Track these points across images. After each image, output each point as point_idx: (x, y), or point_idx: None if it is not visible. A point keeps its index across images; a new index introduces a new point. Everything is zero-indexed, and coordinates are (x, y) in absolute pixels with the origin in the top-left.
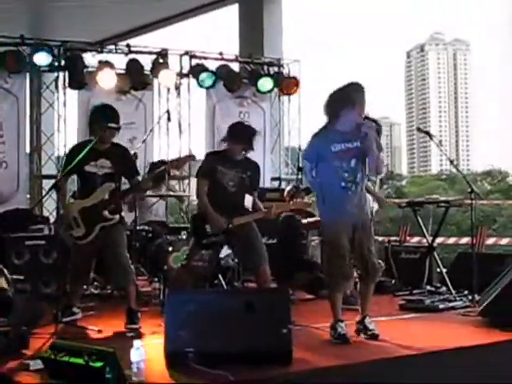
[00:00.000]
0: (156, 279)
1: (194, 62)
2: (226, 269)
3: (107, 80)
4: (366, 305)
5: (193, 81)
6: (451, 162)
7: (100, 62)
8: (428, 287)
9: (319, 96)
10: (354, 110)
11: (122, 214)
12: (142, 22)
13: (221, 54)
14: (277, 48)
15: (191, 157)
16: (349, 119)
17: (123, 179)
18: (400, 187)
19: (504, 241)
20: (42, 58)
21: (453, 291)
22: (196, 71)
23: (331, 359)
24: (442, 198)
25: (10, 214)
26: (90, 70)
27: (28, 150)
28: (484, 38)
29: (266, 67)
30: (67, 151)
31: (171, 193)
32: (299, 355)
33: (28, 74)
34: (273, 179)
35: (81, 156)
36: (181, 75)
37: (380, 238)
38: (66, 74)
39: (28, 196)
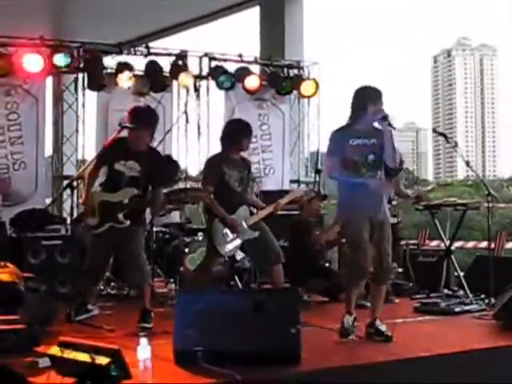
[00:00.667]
0: (172, 280)
1: (214, 63)
2: (242, 271)
3: (126, 82)
4: (377, 307)
5: (212, 83)
6: (467, 163)
7: (119, 63)
8: (445, 290)
9: (339, 99)
10: (372, 111)
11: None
12: (162, 25)
13: (240, 55)
14: (297, 50)
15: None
16: (367, 120)
17: None
18: (426, 192)
19: None
20: (61, 60)
21: (470, 295)
22: (215, 73)
23: (341, 360)
24: (460, 201)
25: (27, 213)
26: (109, 71)
27: (48, 150)
28: (511, 43)
29: (285, 69)
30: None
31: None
32: (308, 355)
33: (48, 76)
34: (292, 182)
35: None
36: (200, 77)
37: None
38: (85, 75)
39: (47, 197)
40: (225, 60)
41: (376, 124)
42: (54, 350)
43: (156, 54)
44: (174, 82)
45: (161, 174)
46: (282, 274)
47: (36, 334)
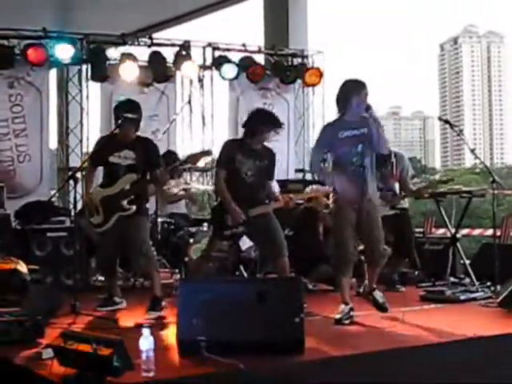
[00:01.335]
0: (177, 271)
1: (217, 53)
2: (248, 261)
3: (130, 72)
4: (372, 281)
5: (216, 73)
6: (472, 151)
7: (122, 54)
8: (451, 278)
9: None
10: (356, 103)
11: (147, 205)
12: (166, 16)
13: (244, 45)
14: (302, 39)
15: (207, 152)
16: (353, 111)
17: None
18: (433, 180)
19: None
20: (64, 51)
21: (475, 282)
22: (219, 63)
23: (345, 349)
24: (465, 189)
25: (32, 205)
26: (112, 62)
27: (52, 142)
28: None
29: (289, 58)
30: (96, 142)
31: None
32: (312, 344)
33: (51, 68)
34: (297, 171)
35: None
36: (204, 67)
37: None
38: (89, 66)
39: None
40: (228, 50)
41: (364, 114)
42: (57, 342)
43: (159, 45)
44: (178, 73)
45: (156, 156)
46: (287, 267)
47: (40, 325)
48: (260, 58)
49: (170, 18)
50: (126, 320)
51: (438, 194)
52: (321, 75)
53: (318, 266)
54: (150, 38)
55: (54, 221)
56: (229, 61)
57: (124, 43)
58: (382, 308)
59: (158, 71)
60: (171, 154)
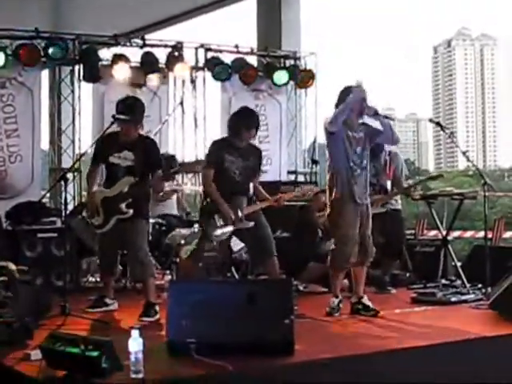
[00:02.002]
0: (168, 272)
1: (210, 55)
2: (239, 262)
3: (122, 73)
4: (361, 286)
5: (208, 74)
6: (463, 153)
7: (115, 55)
8: (443, 280)
9: (336, 89)
10: (354, 108)
11: (147, 207)
12: (159, 16)
13: (236, 46)
14: (294, 41)
15: (200, 162)
16: (352, 115)
17: None
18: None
19: None
20: (56, 52)
21: (467, 284)
22: (211, 64)
23: (334, 351)
24: (456, 191)
25: (23, 206)
26: (104, 63)
27: (44, 143)
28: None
29: (282, 60)
30: (96, 141)
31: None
32: (302, 347)
33: (43, 68)
34: (289, 172)
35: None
36: (196, 68)
37: None
38: (81, 67)
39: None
40: (221, 51)
41: (365, 120)
42: (46, 343)
43: (152, 46)
44: (170, 74)
45: (155, 158)
46: (276, 267)
47: (29, 327)
48: (252, 60)
49: (163, 19)
50: (117, 321)
51: (430, 195)
52: (313, 77)
53: (310, 265)
54: (143, 39)
55: (44, 221)
56: (221, 62)
57: (116, 44)
58: (373, 311)
59: (151, 72)
60: (170, 158)
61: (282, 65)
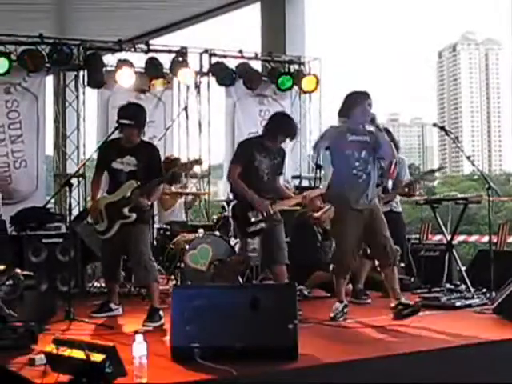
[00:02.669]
0: (173, 277)
1: (214, 60)
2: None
3: (126, 79)
4: (396, 288)
5: (212, 79)
6: (468, 157)
7: (119, 60)
8: (447, 285)
9: (340, 94)
10: (358, 112)
11: (150, 212)
12: (163, 22)
13: (240, 51)
14: (298, 46)
15: (198, 161)
16: (356, 120)
17: None
18: (432, 188)
19: None
20: (59, 58)
21: (471, 289)
22: (216, 69)
23: (339, 355)
24: (460, 195)
25: (28, 211)
26: (109, 68)
27: (48, 149)
28: None
29: (286, 65)
30: (99, 147)
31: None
32: (306, 351)
33: (48, 74)
34: (293, 177)
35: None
36: (200, 73)
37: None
38: (86, 72)
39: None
40: (225, 56)
41: (367, 125)
42: (50, 348)
43: (156, 51)
44: (175, 79)
45: (156, 163)
46: (285, 275)
47: (34, 331)
48: (257, 65)
49: (167, 25)
50: (121, 326)
51: (434, 200)
52: (317, 82)
53: (313, 270)
54: (147, 45)
55: (49, 227)
56: (225, 67)
57: (121, 49)
58: (414, 308)
59: (155, 77)
60: (173, 161)
61: (287, 70)
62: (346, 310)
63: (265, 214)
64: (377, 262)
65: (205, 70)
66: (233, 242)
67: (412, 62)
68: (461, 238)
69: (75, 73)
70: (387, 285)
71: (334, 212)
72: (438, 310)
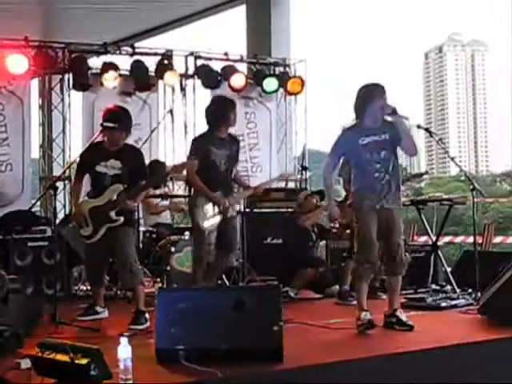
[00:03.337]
0: (159, 280)
1: (199, 62)
2: (229, 269)
3: (111, 81)
4: (394, 298)
5: (198, 81)
6: (452, 159)
7: (104, 63)
8: (433, 286)
9: (326, 96)
10: (376, 107)
11: (135, 215)
12: (148, 24)
13: (226, 54)
14: (284, 48)
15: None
16: (373, 116)
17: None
18: (419, 188)
19: (510, 239)
20: (45, 60)
21: (457, 289)
22: (201, 72)
23: (323, 356)
24: (445, 196)
25: (13, 215)
26: (94, 71)
27: (34, 152)
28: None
29: (271, 67)
30: (82, 151)
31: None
32: (291, 352)
33: (33, 77)
34: None
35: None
36: (186, 76)
37: None
38: (71, 75)
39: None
40: (210, 59)
41: (387, 118)
42: (35, 351)
43: (141, 54)
44: (160, 82)
45: (141, 167)
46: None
47: (20, 335)
48: (242, 67)
49: (153, 27)
50: (107, 329)
51: (419, 201)
52: (303, 84)
53: (301, 269)
54: (132, 47)
55: (35, 230)
56: (211, 70)
57: (106, 52)
58: (408, 327)
59: (140, 80)
60: (158, 164)
61: (272, 72)
62: (371, 318)
63: (221, 208)
64: (383, 267)
65: (190, 72)
66: None
67: (398, 63)
68: (447, 238)
69: (60, 76)
70: (388, 291)
71: (356, 206)
72: (423, 311)
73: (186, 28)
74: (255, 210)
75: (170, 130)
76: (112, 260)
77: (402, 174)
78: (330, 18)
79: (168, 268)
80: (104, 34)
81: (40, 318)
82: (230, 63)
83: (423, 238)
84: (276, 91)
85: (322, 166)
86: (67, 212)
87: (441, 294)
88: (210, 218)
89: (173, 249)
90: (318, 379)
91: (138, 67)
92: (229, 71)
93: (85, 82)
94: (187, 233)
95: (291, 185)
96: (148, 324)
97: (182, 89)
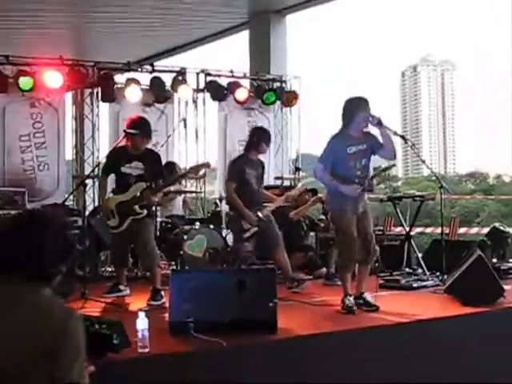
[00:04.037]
0: (173, 263)
1: (209, 78)
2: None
3: (134, 95)
4: (363, 283)
5: (207, 95)
6: (423, 161)
7: (128, 79)
8: (407, 269)
9: (317, 108)
10: (360, 118)
11: (152, 208)
12: (165, 47)
13: (231, 71)
14: (281, 67)
15: (206, 164)
16: (357, 126)
17: None
18: (396, 187)
19: (473, 230)
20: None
21: (427, 272)
22: (210, 87)
23: (312, 328)
24: (418, 193)
25: (49, 208)
26: (119, 86)
27: (68, 154)
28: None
29: (270, 83)
30: (107, 154)
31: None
32: (285, 325)
33: (67, 90)
34: (276, 178)
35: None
36: (197, 90)
37: None
38: (100, 89)
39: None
40: (219, 75)
41: (368, 129)
42: None
43: (159, 71)
44: (175, 95)
45: (160, 168)
46: (283, 260)
47: None
48: (245, 83)
49: (169, 49)
50: (129, 305)
51: (395, 197)
52: (297, 97)
53: (295, 254)
54: (152, 66)
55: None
56: (219, 85)
57: (129, 70)
58: (374, 307)
59: (158, 93)
60: (171, 165)
61: (271, 87)
62: (354, 302)
63: (254, 224)
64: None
65: (201, 87)
66: (224, 233)
67: (379, 80)
68: (419, 229)
69: (90, 90)
70: (358, 277)
71: (336, 215)
72: (398, 290)
73: (198, 49)
74: None
75: (184, 136)
76: (133, 246)
77: (381, 174)
78: (321, 42)
79: (181, 253)
80: (128, 54)
81: (72, 295)
82: (235, 79)
83: (398, 229)
84: (274, 103)
85: (313, 168)
86: (95, 205)
87: (413, 276)
88: (248, 230)
89: (185, 237)
90: (307, 347)
91: (156, 82)
92: (234, 86)
93: (111, 95)
94: (198, 223)
95: (286, 183)
96: (163, 300)
97: (194, 101)
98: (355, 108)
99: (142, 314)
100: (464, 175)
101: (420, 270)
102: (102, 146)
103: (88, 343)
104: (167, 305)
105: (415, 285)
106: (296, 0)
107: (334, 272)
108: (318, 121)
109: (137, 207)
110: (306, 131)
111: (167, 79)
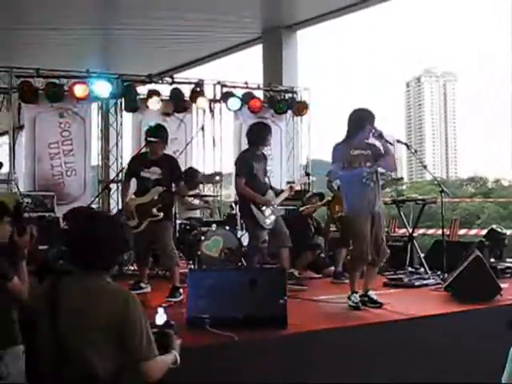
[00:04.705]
0: (191, 262)
1: (225, 90)
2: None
3: (155, 105)
4: (370, 282)
5: (224, 105)
6: (424, 167)
7: (149, 90)
8: (409, 268)
9: (326, 117)
10: (365, 131)
11: (172, 211)
12: (184, 60)
13: (246, 83)
14: (292, 78)
15: (219, 174)
16: (361, 136)
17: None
18: (400, 191)
19: (472, 231)
20: (103, 88)
21: (428, 271)
22: (226, 97)
23: (320, 324)
24: (420, 197)
25: (76, 210)
26: (141, 97)
27: (94, 160)
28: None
29: (282, 94)
30: (128, 161)
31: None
32: (294, 321)
33: (93, 101)
34: (288, 182)
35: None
36: (214, 101)
37: None
38: (123, 100)
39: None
40: (234, 87)
41: (370, 140)
42: None
43: (179, 83)
44: (194, 105)
45: (177, 171)
46: (288, 257)
47: None
48: (259, 94)
49: (187, 62)
50: (149, 301)
51: (399, 201)
52: (307, 107)
53: (303, 252)
54: (171, 78)
55: None
56: (234, 95)
57: (151, 82)
58: (378, 304)
59: (178, 104)
60: (193, 171)
61: (283, 97)
62: (360, 298)
63: (272, 208)
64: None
65: (217, 97)
66: (239, 234)
67: (385, 90)
68: (421, 231)
69: (115, 100)
70: (366, 277)
71: (351, 216)
72: (401, 288)
73: (215, 62)
74: None
75: (202, 143)
76: (155, 246)
77: (388, 178)
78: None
79: (198, 253)
80: (149, 67)
81: None
82: (250, 90)
83: (402, 230)
84: (285, 113)
85: (324, 172)
86: (119, 207)
87: (415, 275)
88: (268, 216)
89: (202, 238)
90: (315, 341)
91: (176, 93)
92: (248, 97)
93: (134, 105)
94: (214, 225)
95: (297, 187)
96: (181, 297)
97: (211, 111)
98: (362, 120)
99: (161, 310)
100: (465, 179)
101: (422, 270)
102: (126, 153)
103: None
104: (185, 301)
105: (417, 283)
106: (306, 16)
107: (342, 271)
108: (327, 129)
109: (154, 210)
110: (316, 139)
111: (186, 90)
